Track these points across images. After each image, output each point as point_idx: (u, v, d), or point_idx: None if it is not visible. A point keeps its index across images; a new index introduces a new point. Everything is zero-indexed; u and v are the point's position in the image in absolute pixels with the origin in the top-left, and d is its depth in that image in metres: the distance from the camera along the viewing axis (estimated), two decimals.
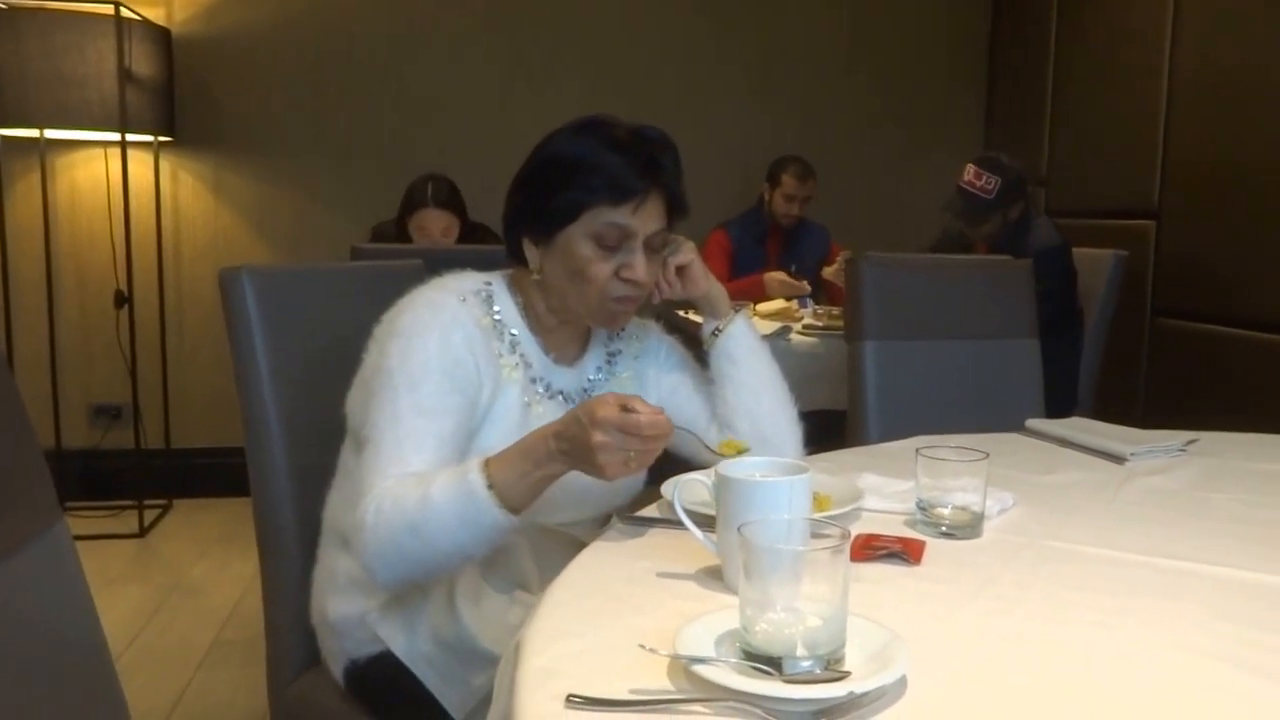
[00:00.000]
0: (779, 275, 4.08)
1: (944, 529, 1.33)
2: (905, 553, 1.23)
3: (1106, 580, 1.19)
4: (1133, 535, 1.35)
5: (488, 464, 1.30)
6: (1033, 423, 1.97)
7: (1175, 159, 3.81)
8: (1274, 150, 3.35)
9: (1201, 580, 1.19)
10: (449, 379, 1.41)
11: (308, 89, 4.59)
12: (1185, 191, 3.77)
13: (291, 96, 4.58)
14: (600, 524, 1.53)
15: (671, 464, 1.41)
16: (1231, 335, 3.52)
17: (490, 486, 1.28)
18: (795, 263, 4.27)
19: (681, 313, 3.33)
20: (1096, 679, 0.93)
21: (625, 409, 1.21)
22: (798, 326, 3.54)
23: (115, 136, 4.02)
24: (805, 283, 4.05)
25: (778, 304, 3.76)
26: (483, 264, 1.60)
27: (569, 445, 1.25)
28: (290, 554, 1.66)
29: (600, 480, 1.26)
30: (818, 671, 0.87)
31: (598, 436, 1.20)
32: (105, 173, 4.36)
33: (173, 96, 4.34)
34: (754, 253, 4.38)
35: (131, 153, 4.24)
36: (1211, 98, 3.64)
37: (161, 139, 4.37)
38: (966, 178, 3.49)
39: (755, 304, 3.75)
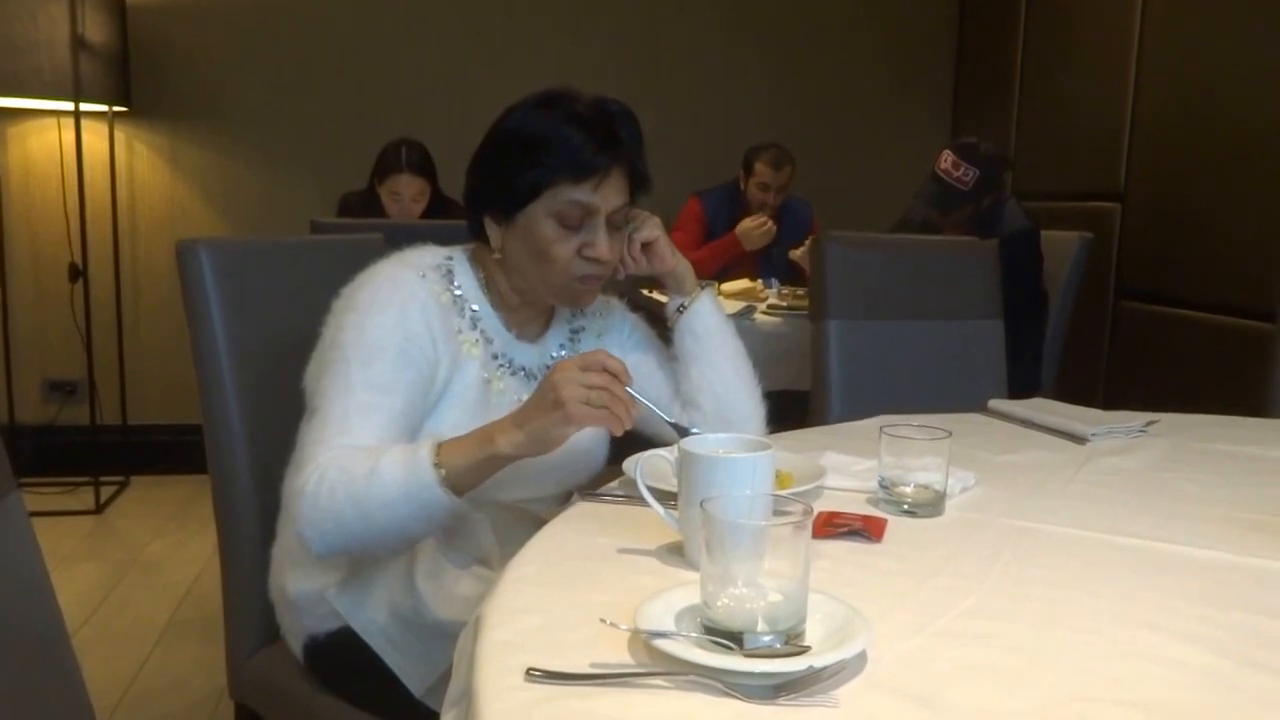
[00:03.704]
0: (749, 222, 4.06)
1: (906, 507, 1.33)
2: (867, 530, 1.23)
3: (1066, 558, 1.20)
4: (1092, 514, 1.36)
5: (441, 445, 1.30)
6: (995, 403, 1.98)
7: (1141, 143, 3.84)
8: (1238, 136, 3.38)
9: (1159, 558, 1.20)
10: (403, 356, 1.40)
11: (267, 58, 4.52)
12: (1150, 175, 3.80)
13: (250, 66, 4.51)
14: (562, 501, 1.52)
15: (635, 442, 1.40)
16: (1192, 318, 3.56)
17: (438, 465, 1.27)
18: (775, 244, 4.19)
19: (647, 291, 3.32)
20: (1054, 655, 0.94)
21: None
22: (762, 306, 3.53)
23: (68, 106, 3.95)
24: (770, 223, 4.05)
25: (742, 283, 3.76)
26: (444, 239, 1.59)
27: (529, 409, 1.26)
28: (249, 530, 1.64)
29: (559, 451, 1.27)
30: (778, 646, 0.86)
31: (558, 374, 1.23)
32: (58, 143, 4.28)
33: (128, 65, 4.26)
34: (728, 230, 4.24)
35: (85, 123, 4.16)
36: (1177, 83, 3.67)
37: (116, 109, 4.29)
38: (943, 165, 3.38)
39: (720, 283, 3.74)
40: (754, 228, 4.07)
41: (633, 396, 1.26)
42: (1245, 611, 1.04)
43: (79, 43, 3.86)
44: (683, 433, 1.26)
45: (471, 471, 1.29)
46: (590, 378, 1.23)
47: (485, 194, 1.52)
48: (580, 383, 1.22)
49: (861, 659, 0.87)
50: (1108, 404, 1.97)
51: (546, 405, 1.24)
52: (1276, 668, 0.91)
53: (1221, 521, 1.34)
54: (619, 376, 1.24)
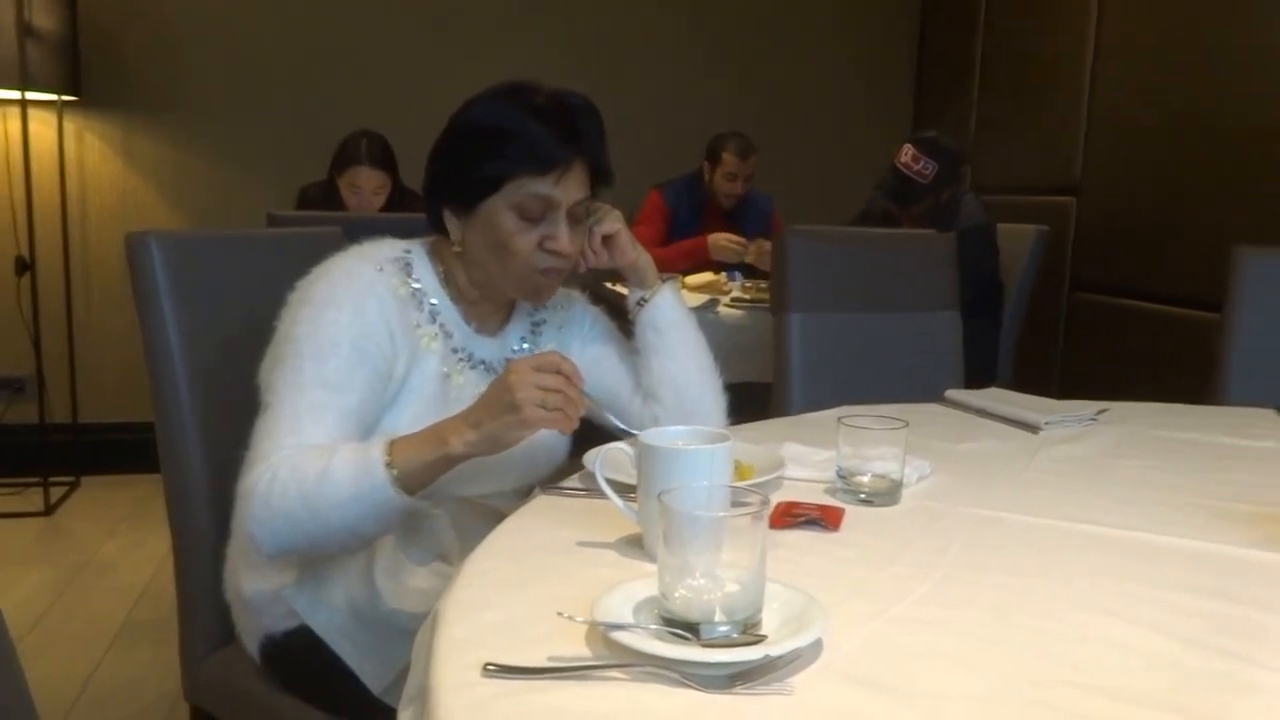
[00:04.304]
0: (723, 236, 4.03)
1: (863, 496, 1.34)
2: (824, 520, 1.23)
3: (1020, 544, 1.21)
4: (1045, 501, 1.38)
5: (393, 444, 1.28)
6: (951, 393, 2.00)
7: (1095, 138, 3.88)
8: (1190, 132, 3.43)
9: (1111, 543, 1.22)
10: (359, 352, 1.39)
11: (224, 47, 4.47)
12: (1104, 170, 3.85)
13: (206, 55, 4.45)
14: (522, 495, 1.52)
15: (595, 435, 1.40)
16: (1144, 309, 3.61)
17: (390, 465, 1.26)
18: (733, 233, 4.20)
19: (611, 284, 3.32)
20: (1010, 640, 0.94)
21: None
22: (725, 299, 3.54)
23: (15, 95, 3.88)
24: (749, 244, 4.00)
25: (705, 276, 3.76)
26: (403, 232, 1.57)
27: (482, 411, 1.25)
28: (203, 529, 1.62)
29: (520, 446, 1.27)
30: (735, 636, 0.87)
31: (511, 375, 1.22)
32: (3, 133, 4.20)
33: (77, 53, 4.17)
34: (691, 221, 4.28)
35: (33, 112, 4.09)
36: (1132, 79, 3.71)
37: (65, 98, 4.21)
38: (903, 159, 3.43)
39: (684, 276, 3.74)
40: (728, 244, 4.03)
41: (587, 398, 1.26)
42: (1196, 595, 1.06)
43: (26, 30, 3.78)
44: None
45: (424, 471, 1.29)
46: (545, 379, 1.22)
47: (445, 186, 1.51)
48: (535, 384, 1.21)
49: (818, 647, 0.88)
50: (1063, 393, 1.99)
51: (501, 407, 1.23)
52: (1228, 650, 0.93)
53: (1171, 506, 1.37)
54: (572, 379, 1.24)
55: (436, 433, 1.28)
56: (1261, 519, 1.30)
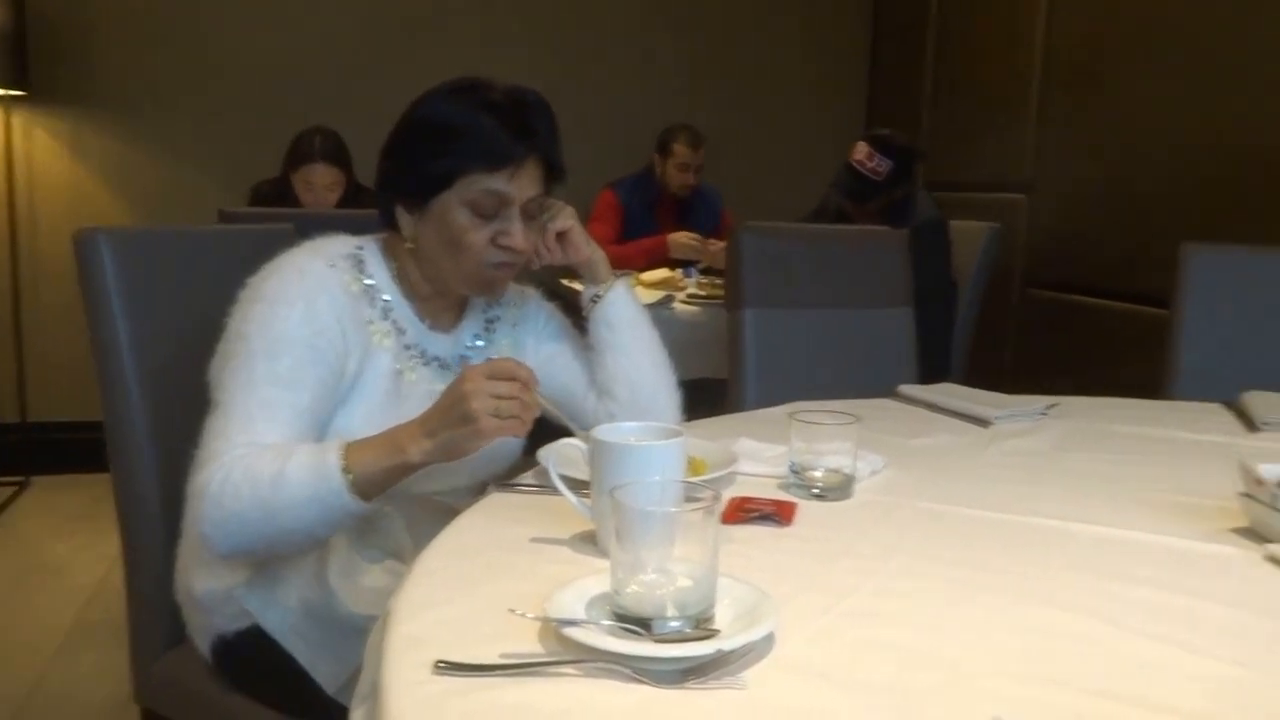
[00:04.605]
0: (684, 235, 4.05)
1: (816, 491, 1.34)
2: (777, 515, 1.24)
3: (971, 537, 1.23)
4: (996, 495, 1.39)
5: (348, 449, 1.28)
6: (904, 388, 2.01)
7: (1047, 135, 3.93)
8: (1138, 130, 3.47)
9: (1061, 536, 1.24)
10: (311, 350, 1.37)
11: (176, 42, 4.41)
12: (1055, 167, 3.89)
13: (158, 50, 4.40)
14: (476, 492, 1.51)
15: (551, 431, 1.39)
16: (1094, 305, 3.65)
17: (346, 470, 1.26)
18: (689, 229, 4.22)
19: (566, 281, 3.31)
20: (960, 632, 0.96)
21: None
22: (681, 296, 3.55)
23: None
24: (711, 242, 4.01)
25: (661, 273, 3.76)
26: (356, 229, 1.56)
27: (437, 420, 1.24)
28: (153, 529, 1.60)
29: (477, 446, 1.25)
30: (687, 631, 0.87)
31: (466, 384, 1.21)
32: None
33: (25, 48, 4.10)
34: (645, 218, 4.30)
35: None
36: (1082, 77, 3.76)
37: (13, 93, 4.13)
38: (857, 156, 3.44)
39: (640, 272, 3.74)
40: (687, 241, 4.04)
41: (543, 400, 1.25)
42: (1138, 584, 1.08)
43: None
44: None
45: (381, 477, 1.28)
46: (499, 387, 1.21)
47: (398, 182, 1.50)
48: (490, 393, 1.21)
49: (770, 641, 0.89)
50: (1014, 389, 2.01)
51: (456, 418, 1.22)
52: (1164, 636, 0.95)
53: (1119, 499, 1.39)
54: (528, 384, 1.23)
55: (393, 440, 1.28)
56: (1208, 512, 1.32)
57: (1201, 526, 1.27)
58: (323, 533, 1.34)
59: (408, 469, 1.28)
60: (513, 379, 1.22)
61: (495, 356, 1.59)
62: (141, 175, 4.44)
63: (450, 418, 1.23)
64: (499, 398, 1.21)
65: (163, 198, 4.45)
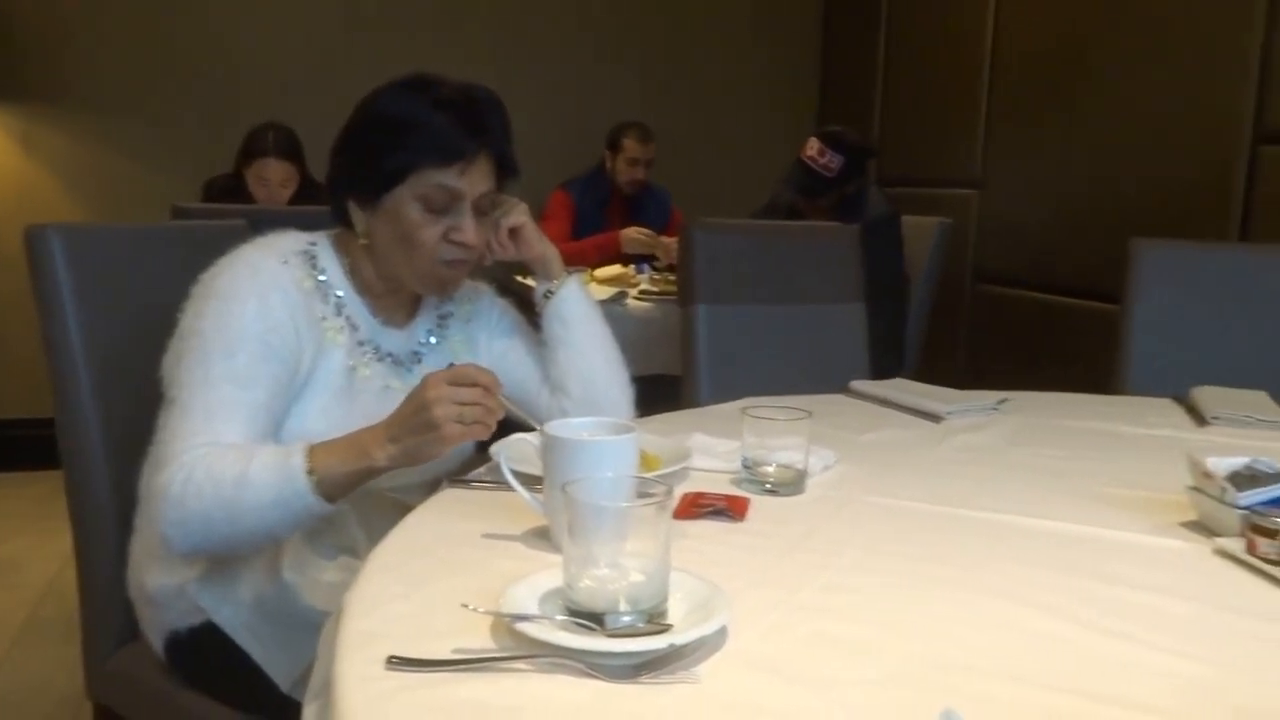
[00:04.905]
0: (635, 230, 4.07)
1: (768, 486, 1.36)
2: (730, 510, 1.25)
3: (921, 532, 1.24)
4: (947, 489, 1.41)
5: (313, 451, 1.28)
6: (856, 384, 2.03)
7: (997, 131, 3.97)
8: (1086, 128, 3.52)
9: (1010, 530, 1.25)
10: (266, 346, 1.37)
11: (128, 36, 4.35)
12: (1005, 163, 3.94)
13: (110, 44, 4.33)
14: (430, 489, 1.50)
15: (505, 427, 1.40)
16: (1045, 300, 3.70)
17: (310, 472, 1.26)
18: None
19: (520, 278, 3.31)
20: (911, 625, 0.97)
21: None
22: (634, 292, 3.56)
23: None
24: (662, 237, 4.04)
25: (615, 269, 3.77)
26: (308, 225, 1.56)
27: (401, 426, 1.25)
28: (106, 525, 1.60)
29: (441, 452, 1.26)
30: (640, 626, 0.88)
31: (429, 392, 1.21)
32: None
33: None
34: (596, 216, 4.33)
35: None
36: (1031, 74, 3.81)
37: None
38: (809, 152, 3.46)
39: (593, 269, 3.75)
40: (638, 235, 4.07)
41: (507, 401, 1.26)
42: (1088, 579, 1.10)
43: None
44: None
45: (345, 480, 1.29)
46: (461, 393, 1.21)
47: (349, 178, 1.50)
48: (453, 400, 1.21)
49: (722, 635, 0.89)
50: (966, 384, 2.03)
51: (419, 425, 1.23)
52: (1112, 629, 0.97)
53: (1069, 494, 1.41)
54: (491, 389, 1.23)
55: (358, 443, 1.28)
56: (1156, 505, 1.34)
57: (1151, 520, 1.29)
58: (284, 533, 1.35)
59: (373, 473, 1.29)
60: (475, 384, 1.22)
61: (448, 353, 1.59)
62: (94, 171, 4.38)
63: (414, 424, 1.23)
64: (462, 404, 1.21)
65: (115, 194, 4.39)
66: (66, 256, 1.56)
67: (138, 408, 1.49)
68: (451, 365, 1.26)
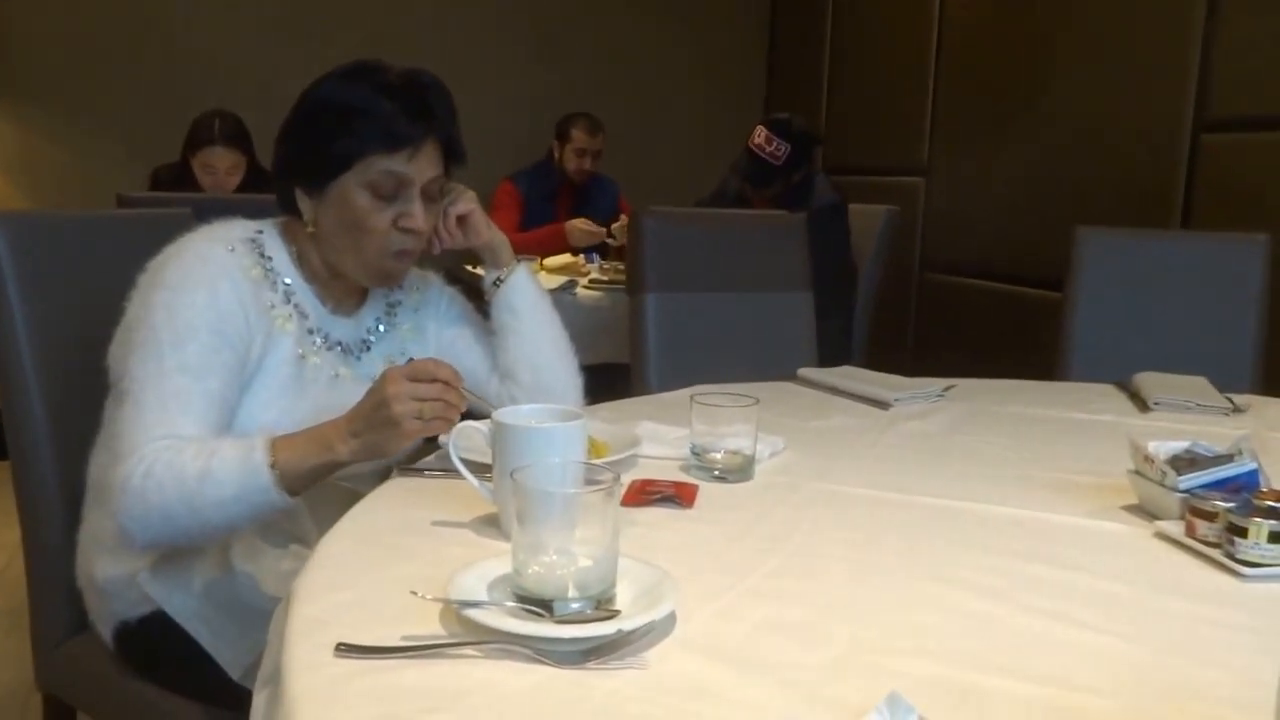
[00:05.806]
0: (580, 223, 4.09)
1: (717, 473, 1.37)
2: (679, 496, 1.26)
3: (867, 517, 1.26)
4: (893, 475, 1.44)
5: (275, 444, 1.28)
6: (804, 371, 2.05)
7: (943, 120, 4.01)
8: (1034, 115, 3.57)
9: (957, 515, 1.28)
10: (217, 336, 1.37)
11: (71, 23, 4.28)
12: (951, 152, 3.98)
13: (52, 31, 4.26)
14: (380, 477, 1.51)
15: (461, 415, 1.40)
16: (990, 288, 3.75)
17: (273, 466, 1.26)
18: (586, 218, 4.26)
19: (469, 266, 3.30)
20: (855, 609, 0.99)
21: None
22: (583, 281, 3.56)
23: None
24: (610, 228, 4.06)
25: (564, 258, 3.77)
26: (255, 213, 1.55)
27: (362, 422, 1.25)
28: (54, 515, 1.58)
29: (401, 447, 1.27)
30: (588, 612, 0.89)
31: (390, 388, 1.21)
32: None
33: None
34: (544, 207, 4.34)
35: None
36: (975, 65, 3.85)
37: None
38: (756, 141, 3.48)
39: (543, 258, 3.75)
40: (583, 228, 4.09)
41: (469, 394, 1.26)
42: (1031, 562, 1.12)
43: None
44: None
45: (308, 473, 1.29)
46: (421, 389, 1.22)
47: (295, 165, 1.49)
48: (412, 396, 1.21)
49: (670, 620, 0.91)
50: (913, 371, 2.06)
51: (379, 421, 1.23)
52: (1053, 612, 0.99)
53: (1013, 479, 1.44)
54: (451, 383, 1.24)
55: (321, 437, 1.28)
56: (1098, 489, 1.37)
57: (1093, 504, 1.32)
58: (245, 526, 1.35)
59: (336, 466, 1.29)
60: (435, 380, 1.23)
61: (397, 340, 1.60)
62: (38, 160, 4.32)
63: (374, 420, 1.24)
64: (421, 400, 1.22)
65: (60, 183, 4.32)
66: (10, 245, 1.54)
67: (84, 397, 1.47)
68: (410, 360, 1.26)
